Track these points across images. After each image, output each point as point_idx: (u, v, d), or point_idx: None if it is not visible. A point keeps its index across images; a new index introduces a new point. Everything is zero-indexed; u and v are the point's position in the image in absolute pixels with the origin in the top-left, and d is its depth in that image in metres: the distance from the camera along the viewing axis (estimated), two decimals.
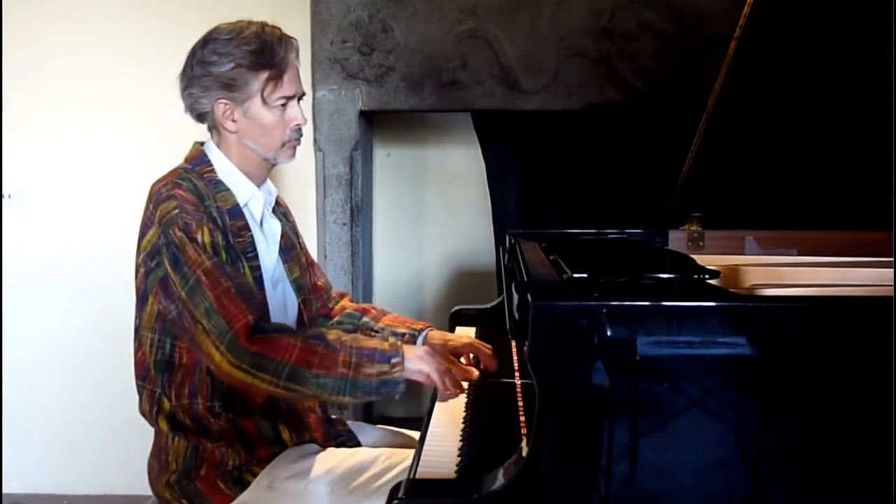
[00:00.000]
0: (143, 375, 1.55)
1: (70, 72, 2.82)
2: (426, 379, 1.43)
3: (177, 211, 1.44)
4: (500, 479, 1.05)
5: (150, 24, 2.79)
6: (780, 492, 1.04)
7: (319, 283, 1.82)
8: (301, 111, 1.57)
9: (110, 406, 2.79)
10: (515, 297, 1.10)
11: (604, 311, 1.02)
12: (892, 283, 1.37)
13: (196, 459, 1.50)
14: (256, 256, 1.54)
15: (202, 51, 1.51)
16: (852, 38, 1.64)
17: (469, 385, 1.59)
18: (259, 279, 1.53)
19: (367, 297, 2.99)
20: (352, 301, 1.87)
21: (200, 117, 1.56)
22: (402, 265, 3.17)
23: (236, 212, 1.53)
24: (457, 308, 2.18)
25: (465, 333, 2.02)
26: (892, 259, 1.58)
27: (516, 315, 1.10)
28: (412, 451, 1.35)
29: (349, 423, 1.76)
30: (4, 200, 2.87)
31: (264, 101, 1.51)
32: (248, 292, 1.44)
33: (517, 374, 1.56)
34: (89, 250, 2.86)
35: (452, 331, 2.05)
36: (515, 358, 1.66)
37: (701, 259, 1.47)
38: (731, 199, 1.98)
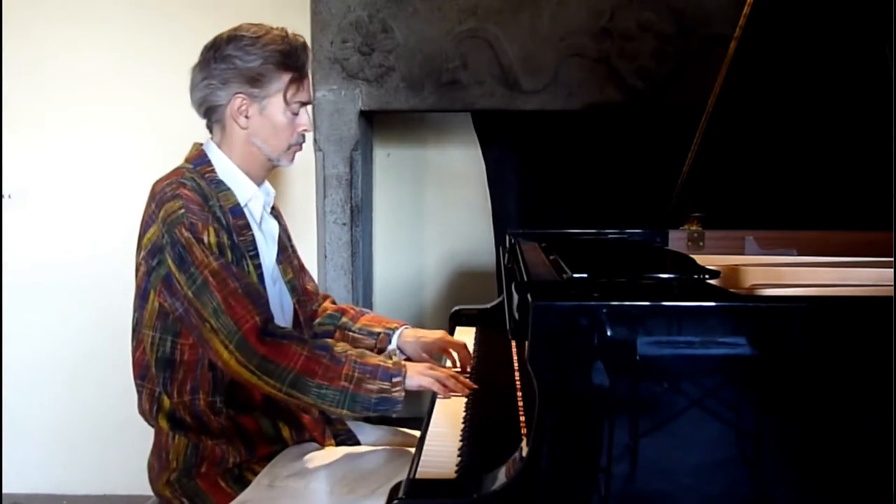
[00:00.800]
0: (142, 374, 1.55)
1: (70, 72, 2.82)
2: (427, 390, 1.50)
3: (182, 211, 1.44)
4: (500, 479, 1.05)
5: (150, 24, 2.79)
6: (780, 492, 1.04)
7: (309, 287, 1.83)
8: (310, 118, 1.61)
9: (110, 406, 2.79)
10: (515, 297, 1.10)
11: (604, 311, 1.02)
12: (892, 283, 1.37)
13: (196, 457, 1.51)
14: (257, 255, 1.55)
15: (227, 46, 1.52)
16: (852, 38, 1.64)
17: None
18: (261, 277, 1.55)
19: (367, 297, 2.99)
20: (333, 302, 1.89)
21: (208, 112, 1.57)
22: (402, 265, 3.17)
23: (237, 211, 1.54)
24: (457, 308, 2.18)
25: (465, 333, 2.03)
26: (892, 259, 1.58)
27: (516, 315, 1.10)
28: (412, 451, 1.36)
29: (349, 422, 1.76)
30: (4, 200, 2.87)
31: (286, 101, 1.54)
32: (255, 292, 1.46)
33: (517, 374, 1.56)
34: (89, 250, 2.86)
35: (452, 331, 2.06)
36: (515, 358, 1.66)
37: (701, 259, 1.47)
38: (731, 199, 1.98)
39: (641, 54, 2.62)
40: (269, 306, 1.50)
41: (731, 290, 1.26)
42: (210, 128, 1.61)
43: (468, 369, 1.72)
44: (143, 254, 1.49)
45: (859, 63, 1.65)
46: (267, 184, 1.66)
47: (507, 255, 1.98)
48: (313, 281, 1.89)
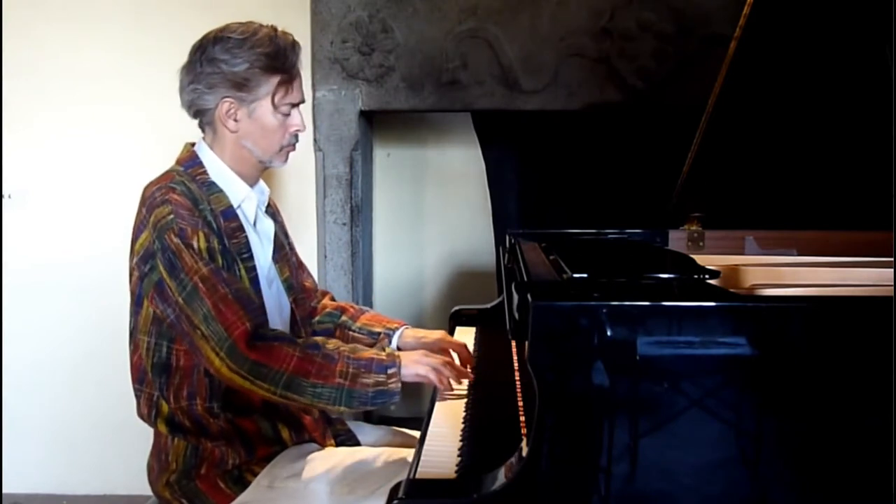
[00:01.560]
0: (140, 379, 1.55)
1: (70, 72, 2.81)
2: (425, 380, 1.46)
3: (172, 216, 1.43)
4: (500, 479, 1.05)
5: (150, 24, 2.79)
6: (780, 492, 1.04)
7: (307, 284, 1.82)
8: (302, 118, 1.58)
9: (110, 406, 2.79)
10: (515, 297, 1.10)
11: (604, 311, 1.02)
12: (892, 283, 1.37)
13: (196, 459, 1.50)
14: (251, 257, 1.54)
15: (213, 48, 1.50)
16: (852, 38, 1.64)
17: (469, 385, 1.59)
18: (255, 279, 1.53)
19: (367, 297, 2.99)
20: (332, 300, 1.88)
21: (198, 114, 1.55)
22: (402, 265, 3.17)
23: (230, 213, 1.53)
24: (457, 308, 2.18)
25: (465, 333, 2.03)
26: (892, 259, 1.58)
27: (516, 315, 1.10)
28: (412, 451, 1.36)
29: (349, 422, 1.76)
30: (4, 200, 2.87)
31: (274, 105, 1.52)
32: (245, 298, 1.45)
33: (517, 374, 1.56)
34: (89, 250, 2.86)
35: (452, 331, 2.06)
36: (515, 358, 1.66)
37: (701, 259, 1.47)
38: (731, 199, 1.98)
39: (641, 54, 2.62)
40: (260, 311, 1.49)
41: (731, 290, 1.26)
42: (202, 128, 1.59)
43: (469, 369, 1.71)
44: (135, 259, 1.48)
45: (859, 63, 1.65)
46: (261, 183, 1.65)
47: (507, 255, 1.98)
48: (312, 277, 1.88)
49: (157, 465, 1.55)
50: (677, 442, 1.02)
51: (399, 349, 1.75)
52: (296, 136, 1.59)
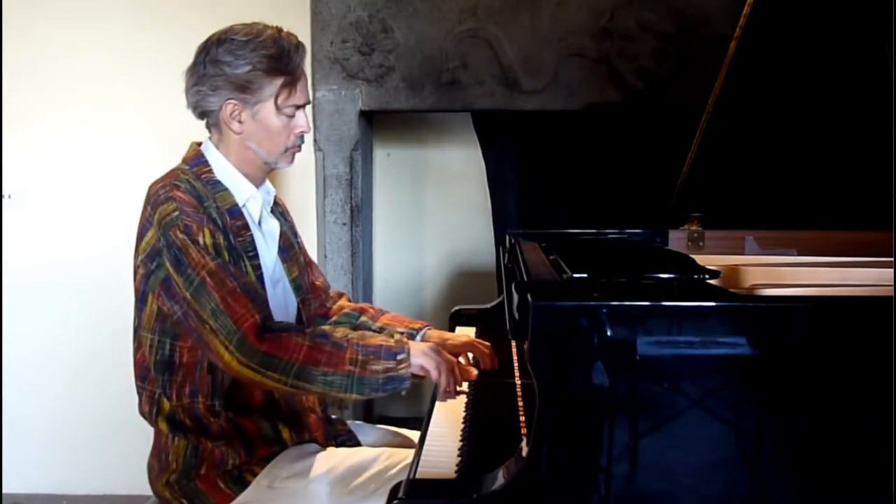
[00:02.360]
0: (142, 376, 1.55)
1: (70, 72, 2.81)
2: (426, 374, 1.44)
3: (176, 213, 1.44)
4: (500, 479, 1.05)
5: (150, 24, 2.79)
6: (780, 492, 1.04)
7: (318, 283, 1.82)
8: (307, 119, 1.58)
9: (110, 406, 2.79)
10: (515, 297, 1.10)
11: (604, 311, 1.02)
12: (892, 283, 1.37)
13: (196, 459, 1.50)
14: (256, 256, 1.54)
15: (216, 49, 1.49)
16: (852, 38, 1.64)
17: (469, 385, 1.59)
18: (260, 278, 1.53)
19: (367, 297, 2.99)
20: (350, 301, 1.87)
21: (203, 115, 1.56)
22: (402, 265, 3.17)
23: (235, 211, 1.53)
24: (457, 308, 2.18)
25: (465, 333, 2.02)
26: (892, 259, 1.58)
27: (516, 315, 1.10)
28: (412, 451, 1.36)
29: (349, 422, 1.76)
30: (4, 200, 2.87)
31: (277, 107, 1.51)
32: (252, 291, 1.45)
33: (517, 374, 1.56)
34: (89, 250, 2.86)
35: (452, 331, 2.05)
36: (515, 358, 1.66)
37: (701, 259, 1.47)
38: (731, 199, 1.98)
39: (641, 54, 2.62)
40: (267, 304, 1.49)
41: (731, 290, 1.26)
42: (208, 129, 1.60)
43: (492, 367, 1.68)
44: (141, 257, 1.48)
45: (859, 63, 1.65)
46: (267, 183, 1.65)
47: (507, 255, 1.98)
48: (323, 276, 1.88)
49: (158, 464, 1.55)
50: (677, 442, 1.02)
51: None
52: (301, 138, 1.58)
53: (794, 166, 1.85)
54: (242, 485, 1.49)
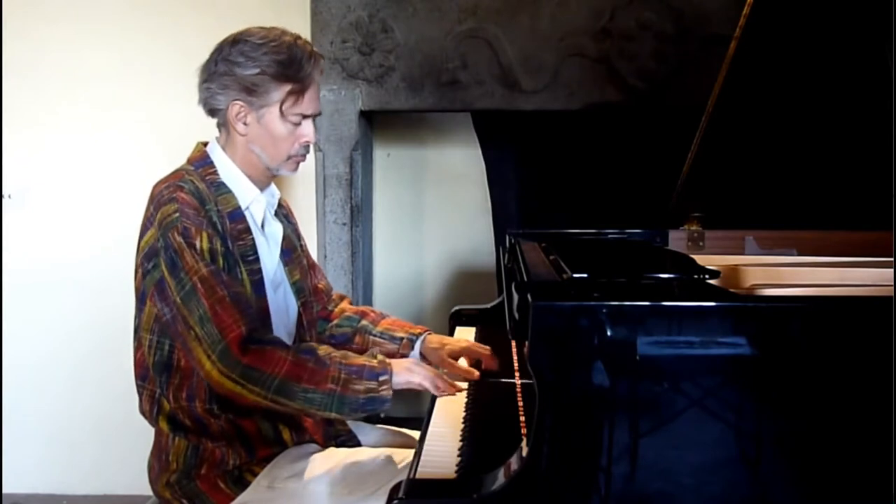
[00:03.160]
0: (142, 376, 1.55)
1: (70, 72, 2.82)
2: (419, 387, 1.46)
3: (177, 215, 1.43)
4: (500, 479, 1.05)
5: (149, 24, 2.79)
6: (780, 492, 1.04)
7: (320, 286, 1.82)
8: (314, 130, 1.56)
9: (110, 406, 2.79)
10: (515, 297, 1.10)
11: (604, 311, 1.02)
12: (892, 283, 1.37)
13: (196, 459, 1.50)
14: (257, 260, 1.54)
15: (230, 49, 1.50)
16: (852, 38, 1.64)
17: (469, 385, 1.59)
18: (259, 282, 1.53)
19: (367, 297, 2.99)
20: (351, 304, 1.87)
21: (212, 112, 1.55)
22: (402, 265, 3.17)
23: (237, 214, 1.53)
24: (457, 308, 2.18)
25: (465, 333, 2.03)
26: (892, 259, 1.58)
27: (516, 315, 1.10)
28: (412, 451, 1.36)
29: (349, 423, 1.75)
30: (4, 200, 2.87)
31: (282, 113, 1.51)
32: (243, 302, 1.44)
33: (517, 374, 1.56)
34: (89, 250, 2.86)
35: (452, 331, 2.06)
36: (515, 358, 1.66)
37: (701, 259, 1.47)
38: (731, 199, 1.98)
39: (641, 54, 2.62)
40: (258, 316, 1.47)
41: (731, 290, 1.26)
42: (218, 128, 1.59)
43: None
44: (140, 256, 1.48)
45: (859, 63, 1.65)
46: (272, 186, 1.65)
47: (507, 255, 1.98)
48: (325, 279, 1.88)
49: (158, 464, 1.55)
50: (677, 442, 1.02)
51: (422, 355, 1.73)
52: (306, 148, 1.57)
53: (793, 166, 1.85)
54: (242, 485, 1.49)
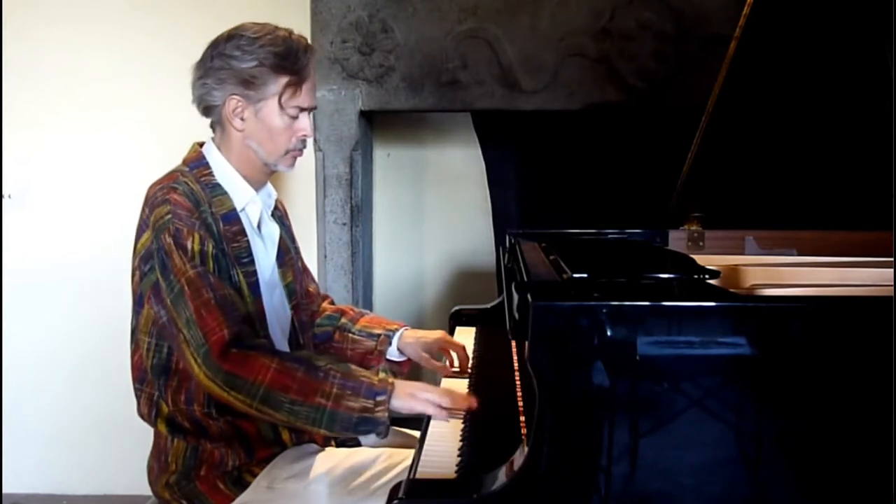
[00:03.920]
0: (140, 378, 1.55)
1: (70, 72, 2.82)
2: (422, 413, 1.40)
3: (169, 216, 1.43)
4: (500, 479, 1.05)
5: (149, 24, 2.79)
6: (780, 492, 1.04)
7: (311, 290, 1.82)
8: (310, 124, 1.56)
9: (110, 406, 2.79)
10: (515, 297, 1.10)
11: (604, 311, 1.02)
12: (892, 283, 1.37)
13: (196, 460, 1.50)
14: (252, 262, 1.53)
15: (225, 44, 1.49)
16: (852, 38, 1.64)
17: (469, 384, 1.59)
18: (254, 284, 1.52)
19: (368, 297, 2.99)
20: (332, 303, 1.87)
21: (207, 111, 1.55)
22: (402, 265, 3.17)
23: (232, 216, 1.52)
24: (457, 308, 2.18)
25: (465, 333, 2.03)
26: (892, 259, 1.58)
27: (516, 315, 1.10)
28: (412, 451, 1.35)
29: None
30: (4, 200, 2.87)
31: (281, 106, 1.50)
32: (229, 305, 1.41)
33: (517, 374, 1.56)
34: (89, 250, 2.86)
35: (452, 331, 2.06)
36: (515, 358, 1.65)
37: (701, 259, 1.47)
38: (731, 199, 1.98)
39: (641, 54, 2.62)
40: (245, 319, 1.45)
41: (731, 290, 1.26)
42: (212, 128, 1.59)
43: (468, 370, 1.71)
44: (137, 259, 1.48)
45: (859, 63, 1.65)
46: (269, 186, 1.64)
47: (507, 255, 1.98)
48: (315, 283, 1.88)
49: (157, 465, 1.55)
50: (677, 442, 1.02)
51: (399, 350, 1.75)
52: (303, 142, 1.57)
53: (793, 166, 1.85)
54: (242, 486, 1.49)
